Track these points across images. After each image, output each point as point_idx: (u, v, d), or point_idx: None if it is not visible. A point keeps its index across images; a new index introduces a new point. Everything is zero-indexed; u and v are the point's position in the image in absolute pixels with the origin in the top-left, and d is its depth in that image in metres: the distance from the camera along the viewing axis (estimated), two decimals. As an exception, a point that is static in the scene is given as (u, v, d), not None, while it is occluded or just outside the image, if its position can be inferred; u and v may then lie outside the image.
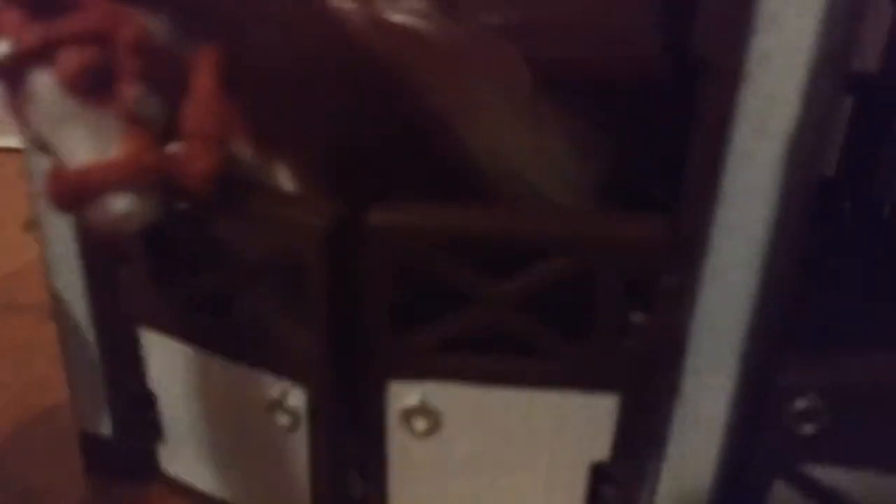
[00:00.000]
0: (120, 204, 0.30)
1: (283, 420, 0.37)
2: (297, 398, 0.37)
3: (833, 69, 0.29)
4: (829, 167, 0.58)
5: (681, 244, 0.32)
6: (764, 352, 0.33)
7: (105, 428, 0.43)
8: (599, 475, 0.38)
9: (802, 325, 0.36)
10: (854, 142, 0.57)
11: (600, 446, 0.37)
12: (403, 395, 0.36)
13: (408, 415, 0.37)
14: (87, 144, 0.30)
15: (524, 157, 0.38)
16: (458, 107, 0.38)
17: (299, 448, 0.37)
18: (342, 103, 0.36)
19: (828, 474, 0.35)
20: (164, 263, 0.38)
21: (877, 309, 0.48)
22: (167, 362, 0.40)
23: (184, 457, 0.42)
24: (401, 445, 0.38)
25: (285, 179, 0.36)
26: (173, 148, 0.31)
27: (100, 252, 0.39)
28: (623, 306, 0.34)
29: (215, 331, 0.38)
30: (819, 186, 0.31)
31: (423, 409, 0.36)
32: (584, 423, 0.36)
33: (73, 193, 0.30)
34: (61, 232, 0.38)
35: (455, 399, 0.36)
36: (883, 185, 0.57)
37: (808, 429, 0.34)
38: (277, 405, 0.37)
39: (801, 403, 0.34)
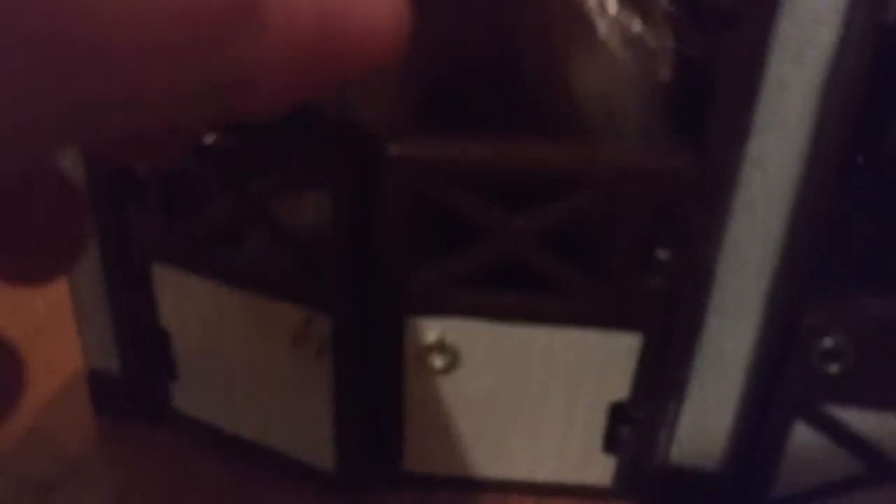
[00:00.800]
0: None
1: (305, 350, 0.37)
2: (320, 326, 0.36)
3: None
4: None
5: (709, 177, 0.31)
6: (791, 290, 0.33)
7: (114, 366, 0.42)
8: (618, 415, 0.37)
9: (831, 263, 0.35)
10: (870, 95, 0.56)
11: (620, 386, 0.37)
12: (422, 330, 0.36)
13: (426, 351, 0.36)
14: None
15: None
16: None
17: (321, 379, 0.37)
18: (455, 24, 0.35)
19: (851, 416, 0.35)
20: (176, 196, 0.37)
21: (883, 273, 0.48)
22: (182, 297, 0.39)
23: (198, 394, 0.41)
24: (418, 383, 0.37)
25: (382, 78, 0.35)
26: None
27: (108, 185, 0.38)
28: (648, 242, 0.34)
29: (234, 263, 0.37)
30: None
31: (442, 346, 0.36)
32: (604, 361, 0.36)
33: None
34: (67, 165, 0.37)
35: (473, 336, 0.36)
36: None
37: (833, 368, 0.34)
38: (300, 335, 0.36)
39: (827, 342, 0.33)
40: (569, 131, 0.37)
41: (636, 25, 0.35)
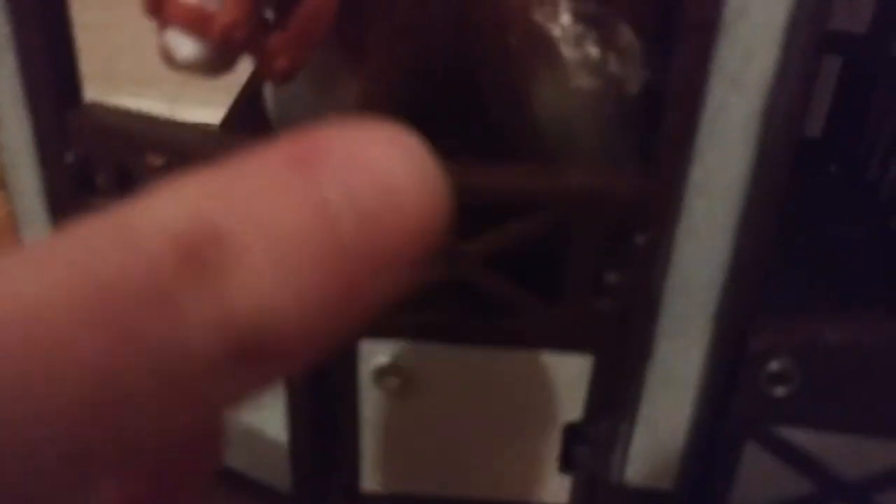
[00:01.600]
0: (187, 48, 0.30)
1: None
2: None
3: (812, 23, 0.28)
4: (814, 128, 0.58)
5: (655, 201, 0.31)
6: (737, 313, 0.33)
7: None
8: (573, 435, 0.38)
9: (777, 286, 0.36)
10: (841, 102, 0.56)
11: (573, 406, 0.37)
12: (374, 353, 0.36)
13: (380, 374, 0.36)
14: None
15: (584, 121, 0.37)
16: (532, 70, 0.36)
17: (276, 400, 0.37)
18: (435, 39, 0.36)
19: (800, 437, 0.35)
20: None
21: (857, 270, 0.48)
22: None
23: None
24: (374, 404, 0.37)
25: (347, 98, 0.36)
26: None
27: (68, 206, 0.38)
28: (597, 265, 0.34)
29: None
30: (804, 148, 0.30)
31: (396, 368, 0.36)
32: (556, 383, 0.36)
33: (155, 6, 0.31)
34: (28, 187, 0.38)
35: (427, 358, 0.36)
36: (869, 147, 0.56)
37: (780, 391, 0.34)
38: None
39: (773, 366, 0.33)
40: (528, 153, 0.38)
41: (599, 51, 0.35)
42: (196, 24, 0.31)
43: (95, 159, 0.36)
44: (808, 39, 0.28)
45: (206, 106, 0.62)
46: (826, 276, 0.44)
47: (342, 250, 0.11)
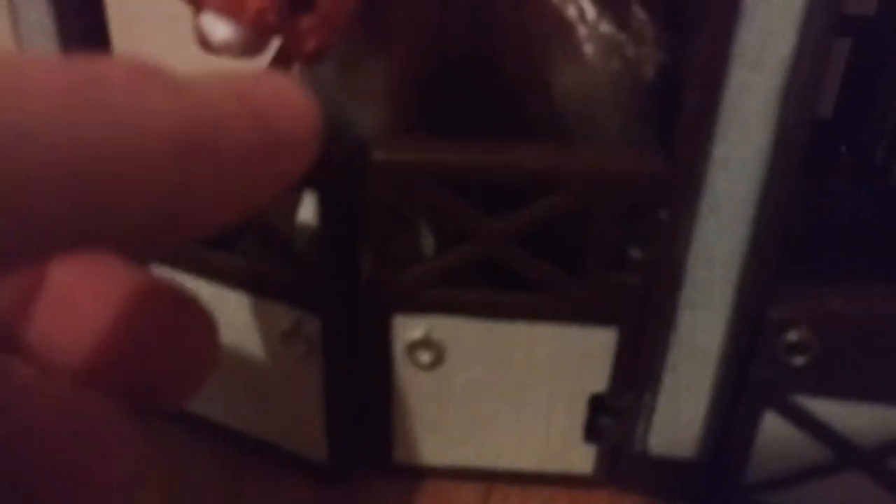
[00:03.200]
0: (221, 31, 0.31)
1: (296, 348, 0.38)
2: (310, 326, 0.37)
3: (828, 6, 0.30)
4: (825, 110, 0.59)
5: (677, 179, 0.33)
6: (757, 285, 0.34)
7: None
8: (597, 406, 0.39)
9: (796, 259, 0.37)
10: (850, 85, 0.58)
11: (598, 378, 0.38)
12: (408, 328, 0.37)
13: (413, 347, 0.38)
14: None
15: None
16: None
17: (312, 375, 0.38)
18: (455, 27, 0.37)
19: (819, 406, 0.36)
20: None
21: (867, 245, 0.49)
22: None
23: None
24: (406, 377, 0.39)
25: (374, 83, 0.37)
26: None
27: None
28: (620, 241, 0.35)
29: (228, 265, 0.38)
30: (814, 129, 0.31)
31: (428, 342, 0.38)
32: (582, 355, 0.37)
33: None
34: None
35: (458, 332, 0.37)
36: (877, 129, 0.57)
37: (799, 360, 0.35)
38: (291, 334, 0.38)
39: (792, 336, 0.35)
40: (548, 133, 0.39)
41: (615, 33, 0.37)
42: (230, 7, 0.32)
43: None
44: (824, 22, 0.30)
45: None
46: (839, 250, 0.46)
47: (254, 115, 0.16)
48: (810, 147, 0.32)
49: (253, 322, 0.39)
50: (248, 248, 0.45)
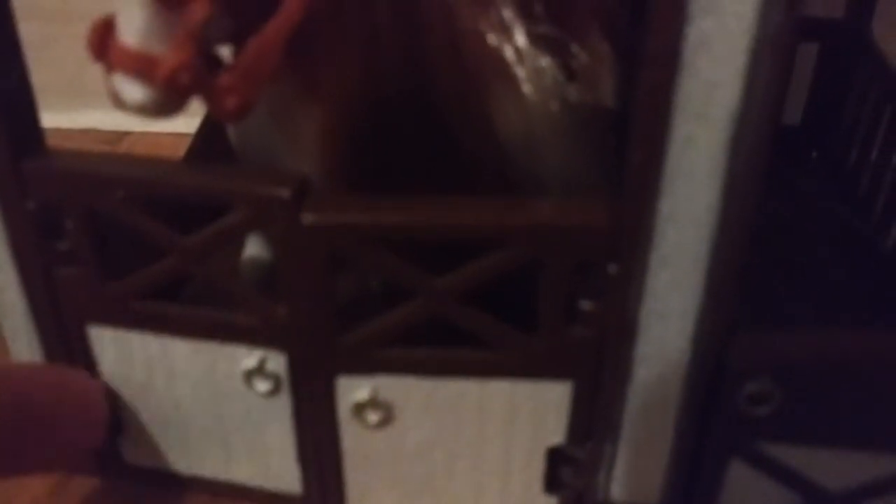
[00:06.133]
0: (134, 93, 0.30)
1: (262, 387, 0.37)
2: (276, 362, 0.36)
3: (776, 49, 0.28)
4: (794, 115, 0.57)
5: (624, 233, 0.31)
6: (713, 337, 0.33)
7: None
8: (557, 458, 0.38)
9: (754, 299, 0.35)
10: (819, 89, 0.56)
11: (555, 431, 0.37)
12: (354, 388, 0.36)
13: (359, 408, 0.36)
14: (139, 30, 0.30)
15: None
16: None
17: (281, 410, 0.37)
18: (392, 65, 0.35)
19: (785, 452, 0.35)
20: (107, 255, 0.37)
21: (835, 266, 0.48)
22: (123, 354, 0.39)
23: (150, 444, 0.41)
24: (354, 438, 0.37)
25: (306, 133, 0.35)
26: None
27: (35, 250, 0.37)
28: (570, 294, 0.33)
29: (177, 315, 0.37)
30: (784, 135, 0.30)
31: (375, 403, 0.36)
32: (537, 409, 0.36)
33: (100, 51, 0.31)
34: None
35: (406, 391, 0.36)
36: (849, 133, 0.56)
37: (761, 410, 0.34)
38: (256, 372, 0.37)
39: (753, 386, 0.33)
40: (491, 174, 0.37)
41: (555, 75, 0.35)
42: (141, 69, 0.30)
43: (61, 204, 0.35)
44: (773, 70, 0.28)
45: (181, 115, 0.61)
46: (804, 276, 0.44)
47: None
48: (778, 154, 0.31)
49: (209, 368, 0.37)
50: (194, 297, 0.43)
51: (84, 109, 0.68)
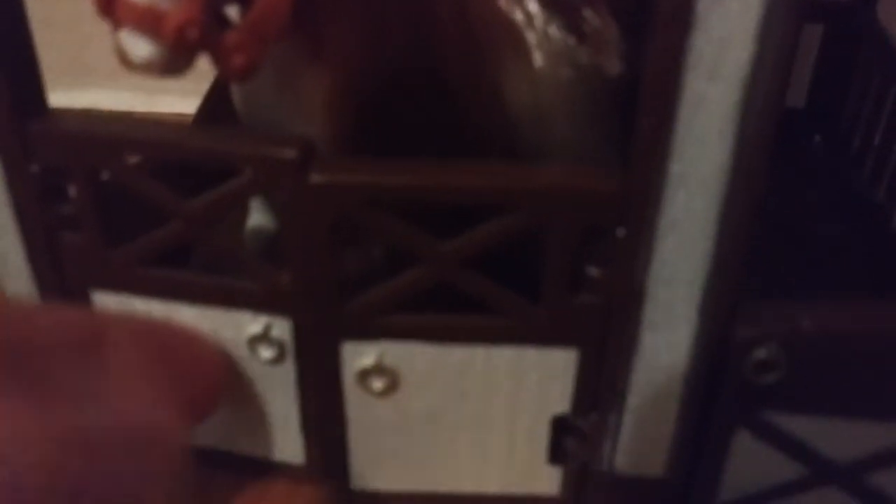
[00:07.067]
0: (141, 49, 0.30)
1: (266, 353, 0.37)
2: (280, 329, 0.36)
3: (789, 7, 0.28)
4: (798, 99, 0.57)
5: (634, 196, 0.31)
6: (721, 304, 0.32)
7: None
8: (561, 427, 0.37)
9: (763, 270, 0.35)
10: (824, 72, 0.56)
11: (560, 400, 0.36)
12: (359, 355, 0.36)
13: (364, 374, 0.36)
14: None
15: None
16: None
17: (285, 378, 0.37)
18: (399, 35, 0.35)
19: (791, 422, 0.35)
20: (112, 219, 0.37)
21: (838, 252, 0.48)
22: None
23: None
24: (360, 404, 0.37)
25: (313, 98, 0.35)
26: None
27: (38, 213, 0.37)
28: (577, 261, 0.33)
29: (181, 280, 0.37)
30: (788, 118, 0.30)
31: (380, 369, 0.36)
32: (542, 377, 0.36)
33: (107, 7, 0.30)
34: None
35: (411, 357, 0.36)
36: (853, 117, 0.56)
37: (768, 378, 0.33)
38: (261, 339, 0.36)
39: (759, 353, 0.33)
40: (501, 144, 0.37)
41: (566, 40, 0.34)
42: (148, 24, 0.30)
43: (64, 167, 0.35)
44: (785, 26, 0.28)
45: (184, 96, 0.61)
46: (808, 259, 0.44)
47: None
48: (783, 136, 0.31)
49: (213, 334, 0.37)
50: (200, 267, 0.43)
51: (86, 88, 0.68)
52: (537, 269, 0.34)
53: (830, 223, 0.52)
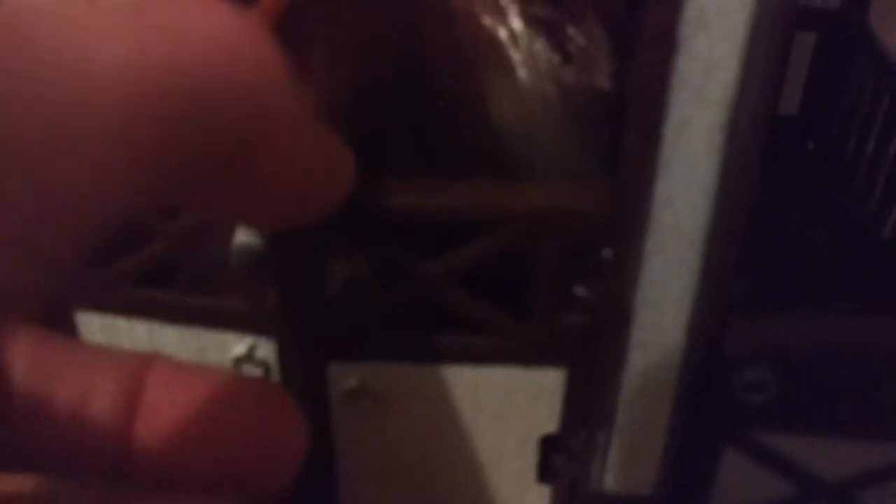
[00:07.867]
0: None
1: (251, 374, 0.36)
2: (265, 350, 0.36)
3: (774, 27, 0.27)
4: (790, 106, 0.57)
5: (620, 217, 0.31)
6: (708, 324, 0.32)
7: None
8: (550, 446, 0.37)
9: (751, 285, 0.35)
10: (816, 79, 0.55)
11: (549, 419, 0.36)
12: (345, 375, 0.35)
13: (351, 395, 0.36)
14: None
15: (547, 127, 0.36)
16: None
17: None
18: (385, 51, 0.35)
19: (780, 441, 0.35)
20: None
21: (831, 258, 0.47)
22: (110, 342, 0.38)
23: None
24: (346, 425, 0.37)
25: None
26: None
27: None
28: (565, 280, 0.33)
29: (164, 300, 0.36)
30: (781, 125, 0.29)
31: (366, 390, 0.35)
32: (530, 397, 0.35)
33: None
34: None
35: (398, 378, 0.35)
36: (846, 124, 0.55)
37: (756, 397, 0.33)
38: (245, 360, 0.36)
39: (749, 374, 0.33)
40: (487, 160, 0.37)
41: (550, 58, 0.34)
42: None
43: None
44: (771, 49, 0.27)
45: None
46: (801, 267, 0.44)
47: None
48: (775, 144, 0.30)
49: (197, 356, 0.37)
50: (186, 283, 0.43)
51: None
52: (524, 289, 0.34)
53: (822, 231, 0.52)
